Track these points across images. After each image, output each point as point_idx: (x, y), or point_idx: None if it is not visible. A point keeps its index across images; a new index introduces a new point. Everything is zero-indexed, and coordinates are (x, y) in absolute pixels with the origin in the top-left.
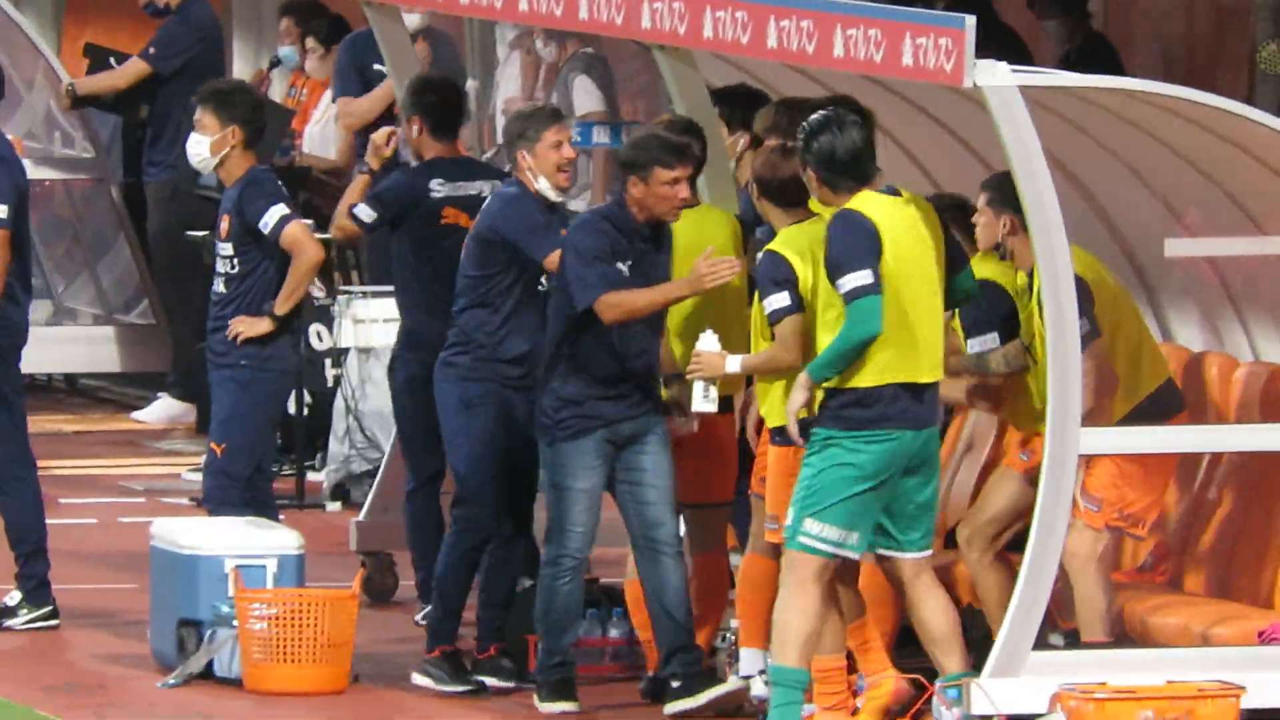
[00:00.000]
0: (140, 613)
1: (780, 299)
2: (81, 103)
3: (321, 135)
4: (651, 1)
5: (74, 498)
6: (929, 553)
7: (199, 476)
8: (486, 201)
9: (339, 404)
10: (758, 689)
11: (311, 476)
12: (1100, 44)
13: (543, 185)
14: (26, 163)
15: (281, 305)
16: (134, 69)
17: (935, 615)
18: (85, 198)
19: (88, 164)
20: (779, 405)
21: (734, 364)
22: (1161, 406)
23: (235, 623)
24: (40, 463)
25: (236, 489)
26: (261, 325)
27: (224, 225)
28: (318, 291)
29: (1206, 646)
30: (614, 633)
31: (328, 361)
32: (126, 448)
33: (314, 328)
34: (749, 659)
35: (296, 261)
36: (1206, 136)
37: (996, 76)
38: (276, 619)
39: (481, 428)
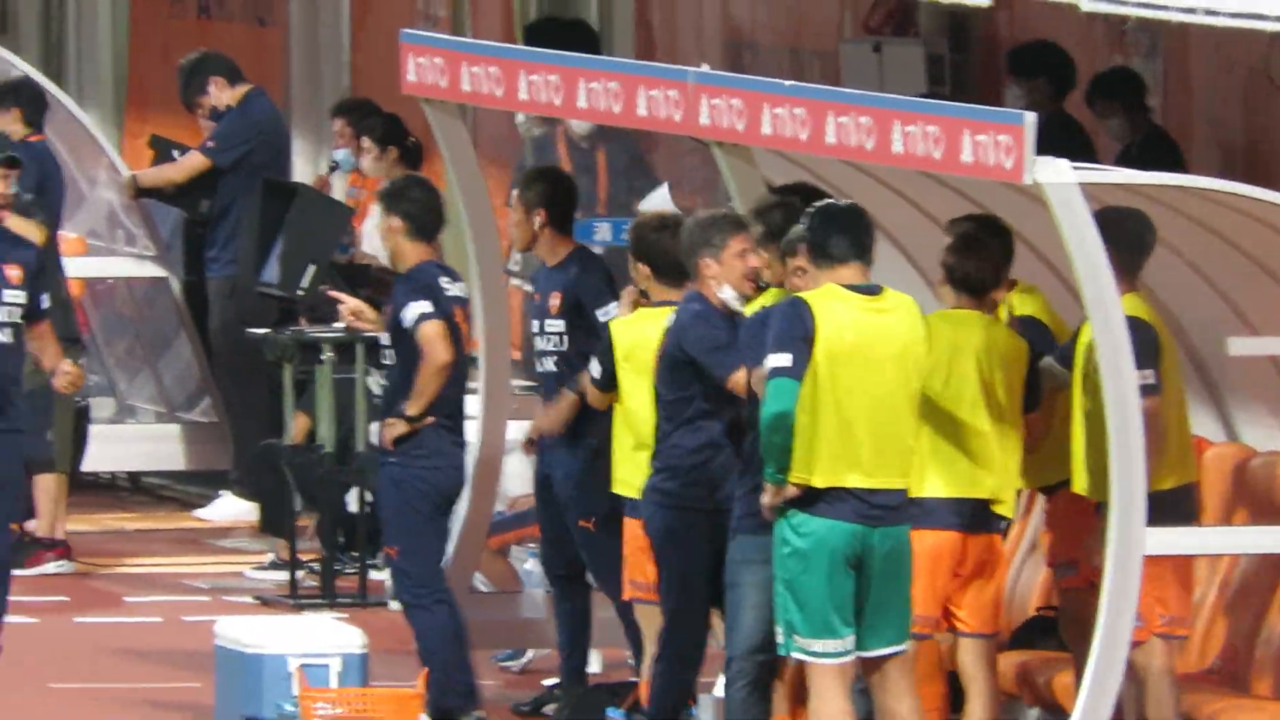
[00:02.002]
0: (205, 711)
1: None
2: (143, 194)
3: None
4: (710, 98)
5: (138, 596)
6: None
7: (263, 575)
8: (673, 320)
9: None
10: None
11: (374, 575)
12: (1161, 138)
13: (727, 294)
14: (90, 261)
15: (413, 405)
16: (192, 162)
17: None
18: (147, 296)
19: (150, 261)
20: (626, 474)
21: None
22: (1179, 508)
23: None
24: (103, 561)
25: (423, 588)
26: (397, 428)
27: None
28: (376, 388)
29: None
30: None
31: None
32: (189, 546)
33: (373, 426)
34: None
35: (424, 362)
36: (1267, 231)
37: (1057, 173)
38: (341, 719)
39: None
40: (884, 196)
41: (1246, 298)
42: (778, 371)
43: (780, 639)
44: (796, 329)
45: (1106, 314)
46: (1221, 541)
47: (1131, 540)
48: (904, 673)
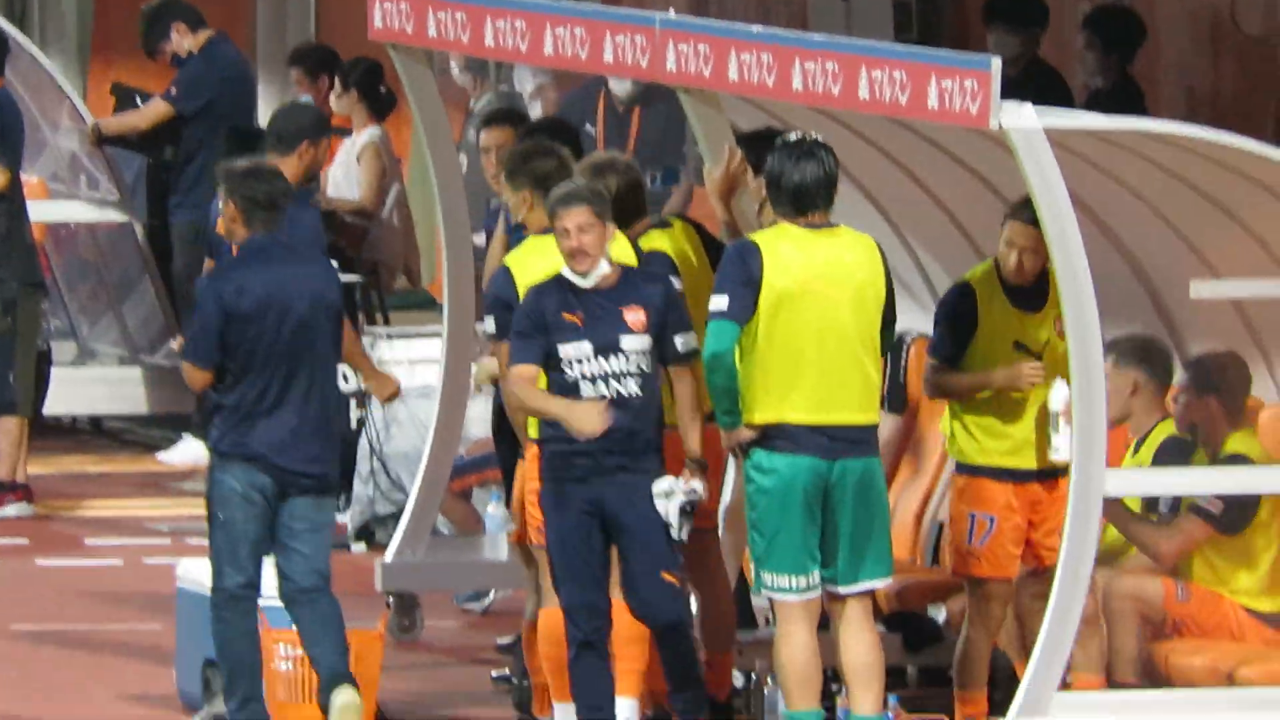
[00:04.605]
0: (166, 654)
1: None
2: (107, 142)
3: (345, 177)
4: (677, 43)
5: (99, 538)
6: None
7: None
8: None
9: (363, 446)
10: None
11: (337, 518)
12: (1128, 85)
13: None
14: (52, 205)
15: None
16: (155, 109)
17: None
18: (109, 240)
19: (112, 206)
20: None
21: None
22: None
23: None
24: (65, 504)
25: None
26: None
27: None
28: None
29: (1233, 687)
30: None
31: (352, 403)
32: (151, 488)
33: (340, 368)
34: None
35: None
36: (1233, 178)
37: (1022, 119)
38: (302, 659)
39: None
40: (850, 142)
41: (1210, 242)
42: (714, 314)
43: (751, 577)
44: (739, 272)
45: (1070, 258)
46: (1179, 482)
47: (1090, 481)
48: (866, 611)
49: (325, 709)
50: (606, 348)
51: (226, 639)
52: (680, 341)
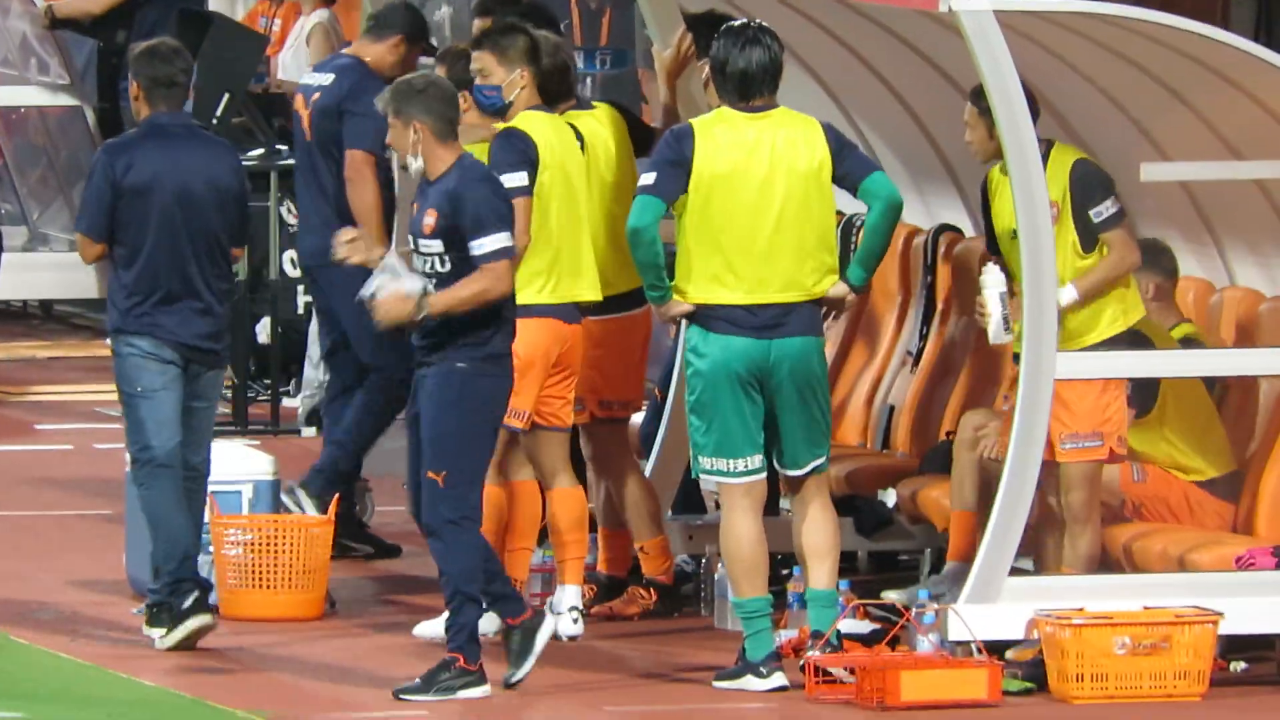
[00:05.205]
0: (117, 537)
1: None
2: (59, 25)
3: (295, 61)
4: None
5: (49, 424)
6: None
7: None
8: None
9: (313, 329)
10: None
11: (286, 402)
12: None
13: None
14: (2, 90)
15: None
16: None
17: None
18: (60, 124)
19: (64, 90)
20: None
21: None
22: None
23: (211, 548)
24: (14, 389)
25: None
26: None
27: None
28: (290, 216)
29: (1185, 572)
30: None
31: (300, 288)
32: (101, 373)
33: (287, 254)
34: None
35: None
36: (1180, 60)
37: (971, 1)
38: (251, 545)
39: None
40: (803, 27)
41: (1159, 126)
42: (640, 189)
43: (691, 460)
44: (670, 152)
45: (1020, 141)
46: (1127, 365)
47: (1041, 365)
48: (820, 491)
49: (162, 604)
50: (416, 248)
51: (160, 507)
52: (474, 245)
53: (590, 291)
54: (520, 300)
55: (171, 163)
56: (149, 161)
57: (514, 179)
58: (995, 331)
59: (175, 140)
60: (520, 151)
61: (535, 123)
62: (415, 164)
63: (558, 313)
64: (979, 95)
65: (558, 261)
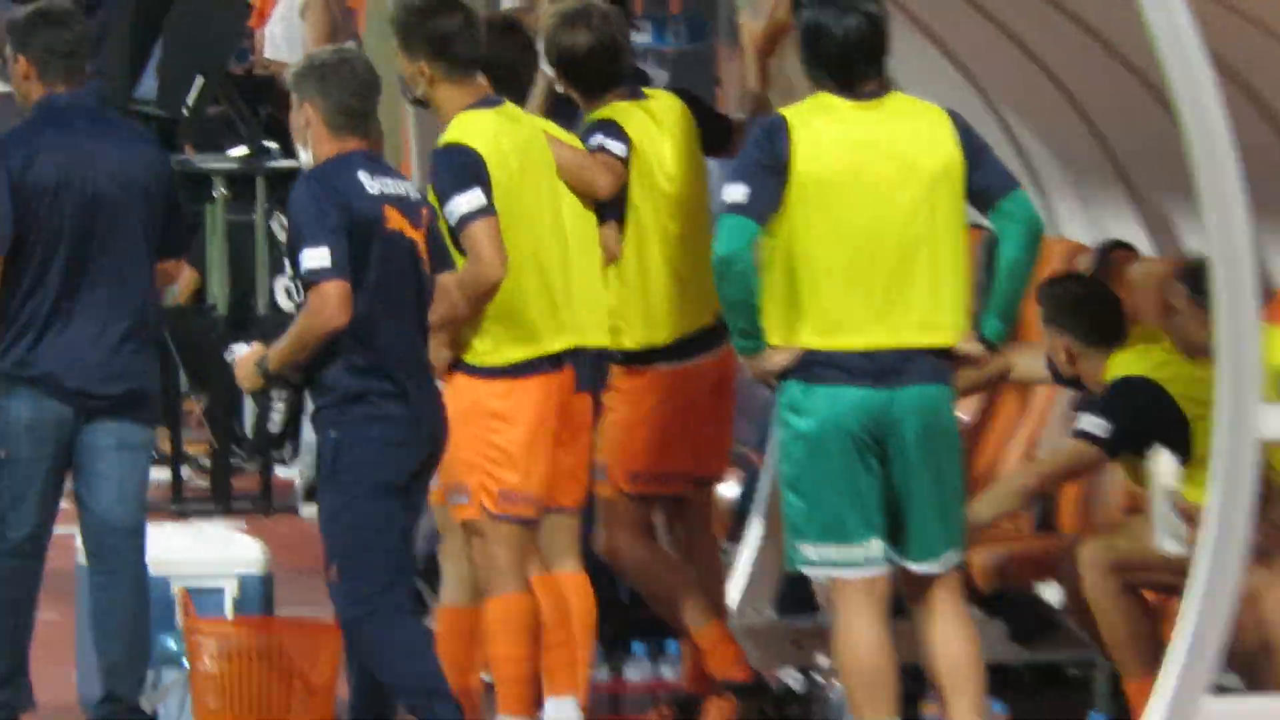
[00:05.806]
0: (65, 649)
1: None
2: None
3: (285, 36)
4: None
5: None
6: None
7: None
8: None
9: None
10: None
11: (280, 472)
12: None
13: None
14: None
15: None
16: None
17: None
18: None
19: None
20: None
21: None
22: None
23: (185, 662)
24: None
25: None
26: None
27: None
28: (282, 233)
29: None
30: (667, 673)
31: None
32: None
33: (279, 281)
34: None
35: None
36: None
37: None
38: (236, 657)
39: None
40: None
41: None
42: (729, 208)
43: (786, 550)
44: (762, 155)
45: (1209, 134)
46: None
47: (1243, 421)
48: (955, 594)
49: None
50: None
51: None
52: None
53: (597, 333)
54: (497, 360)
55: (79, 157)
56: (52, 155)
57: (466, 200)
58: (1161, 538)
59: (80, 127)
60: (460, 167)
61: (476, 127)
62: (304, 156)
63: (539, 366)
64: (1193, 274)
65: (534, 299)
